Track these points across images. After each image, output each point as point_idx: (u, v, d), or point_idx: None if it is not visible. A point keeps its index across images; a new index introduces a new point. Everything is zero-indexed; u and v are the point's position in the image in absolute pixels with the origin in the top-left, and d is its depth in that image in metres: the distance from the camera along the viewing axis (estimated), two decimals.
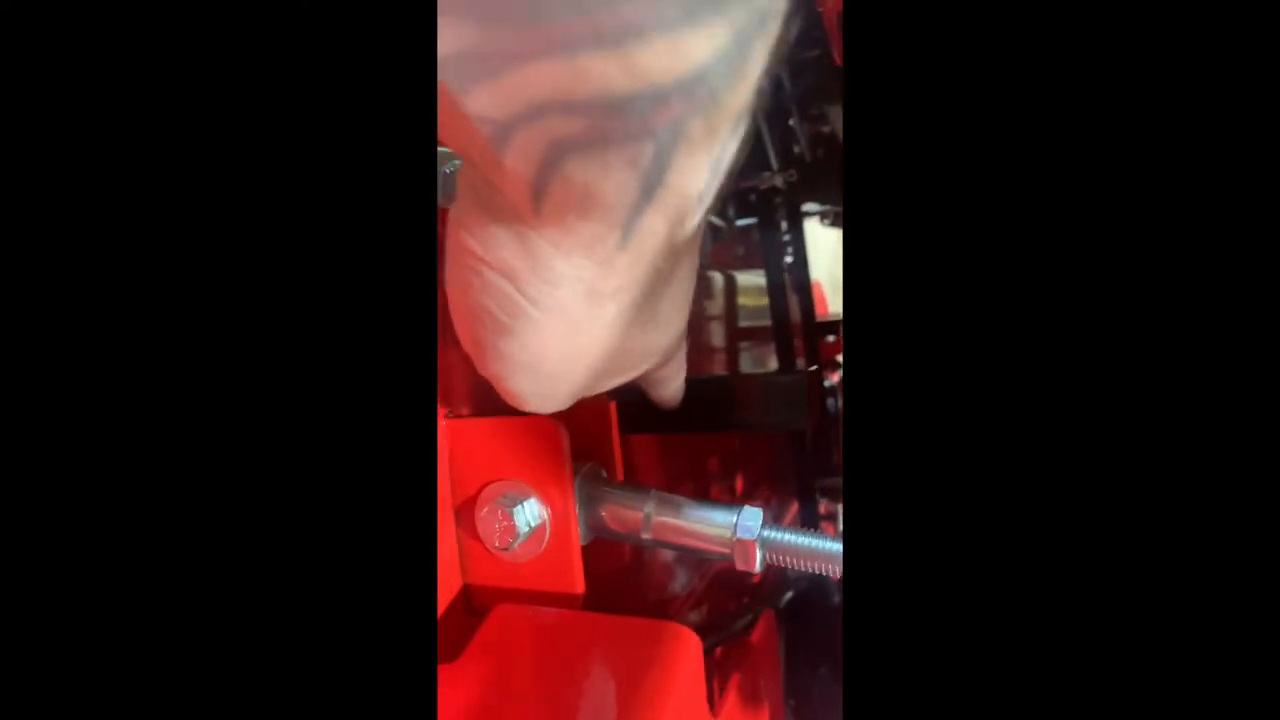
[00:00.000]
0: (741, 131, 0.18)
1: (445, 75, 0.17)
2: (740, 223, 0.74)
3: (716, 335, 0.70)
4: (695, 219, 0.20)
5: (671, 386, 0.34)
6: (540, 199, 0.18)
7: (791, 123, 0.66)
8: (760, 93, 0.18)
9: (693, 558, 0.61)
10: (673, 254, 0.21)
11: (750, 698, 0.31)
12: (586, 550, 0.29)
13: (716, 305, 0.70)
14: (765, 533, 0.27)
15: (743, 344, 0.72)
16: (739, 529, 0.27)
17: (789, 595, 0.61)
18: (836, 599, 0.68)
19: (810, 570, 0.27)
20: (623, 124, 0.16)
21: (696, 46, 0.15)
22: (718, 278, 0.69)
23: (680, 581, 0.57)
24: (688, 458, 0.59)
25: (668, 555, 0.56)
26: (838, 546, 0.27)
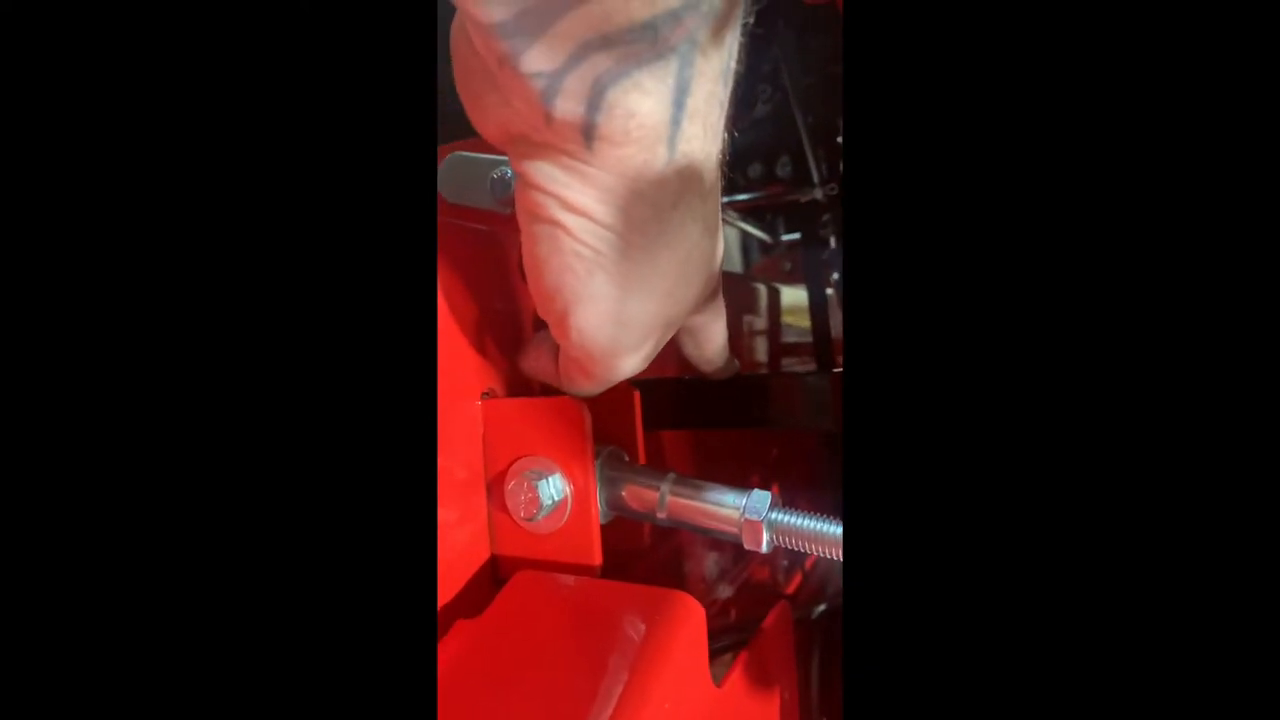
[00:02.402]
0: (737, 39, 0.22)
1: (501, 43, 0.20)
2: (786, 238, 0.75)
3: (760, 349, 0.71)
4: (720, 125, 0.23)
5: (712, 342, 0.35)
6: (591, 136, 0.21)
7: (839, 140, 0.67)
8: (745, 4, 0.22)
9: (729, 573, 0.61)
10: (712, 164, 0.24)
11: (758, 679, 0.31)
12: (629, 556, 0.31)
13: (760, 318, 0.71)
14: (772, 515, 0.28)
15: (786, 360, 0.73)
16: (747, 510, 0.29)
17: (821, 608, 0.61)
18: None
19: (818, 554, 0.28)
20: (649, 46, 0.20)
21: None
22: (762, 290, 0.71)
23: (713, 593, 0.58)
24: (726, 474, 0.60)
25: (704, 569, 0.57)
26: (842, 530, 0.28)
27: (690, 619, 0.26)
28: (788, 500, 0.29)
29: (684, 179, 0.23)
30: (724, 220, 0.77)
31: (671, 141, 0.22)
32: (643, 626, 0.26)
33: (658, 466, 0.32)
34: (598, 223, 0.23)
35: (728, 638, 0.37)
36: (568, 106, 0.21)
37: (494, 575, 0.33)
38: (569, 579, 0.29)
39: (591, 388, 0.30)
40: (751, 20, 0.23)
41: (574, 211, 0.23)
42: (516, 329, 0.35)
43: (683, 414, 0.40)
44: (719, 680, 0.28)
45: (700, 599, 0.27)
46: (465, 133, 0.28)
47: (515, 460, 0.31)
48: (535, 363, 0.33)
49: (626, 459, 0.33)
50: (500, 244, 0.36)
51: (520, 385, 0.35)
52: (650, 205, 0.23)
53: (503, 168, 0.37)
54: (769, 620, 0.34)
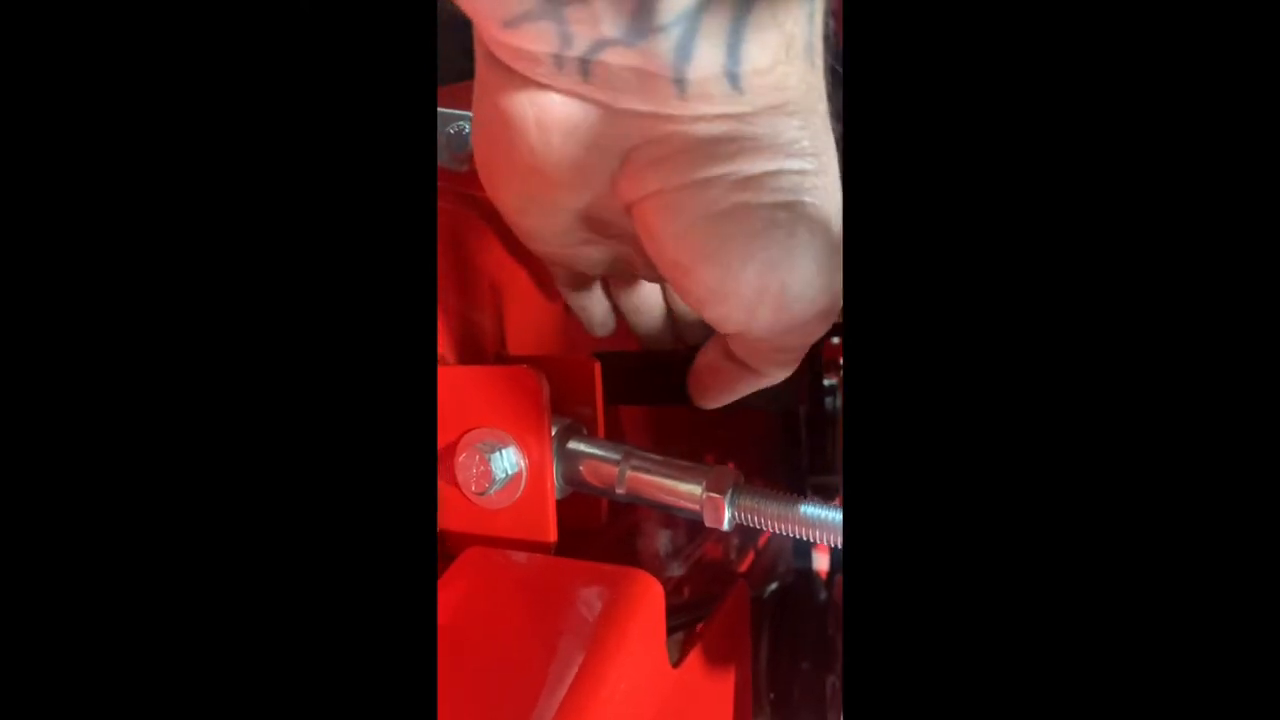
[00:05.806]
0: None
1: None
2: None
3: None
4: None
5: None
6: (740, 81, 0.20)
7: None
8: None
9: (683, 550, 0.61)
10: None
11: (716, 659, 0.31)
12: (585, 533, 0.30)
13: None
14: (735, 492, 0.28)
15: None
16: (709, 487, 0.28)
17: (773, 587, 0.61)
18: (823, 595, 0.68)
19: (780, 532, 0.28)
20: None
21: None
22: None
23: (667, 570, 0.57)
24: (682, 451, 0.60)
25: (658, 546, 0.57)
26: (807, 509, 0.27)
27: (648, 598, 0.25)
28: (744, 478, 0.29)
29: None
30: None
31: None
32: (599, 606, 0.25)
33: (616, 441, 0.31)
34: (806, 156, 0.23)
35: (680, 616, 0.36)
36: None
37: (441, 550, 0.31)
38: (521, 556, 0.28)
39: (793, 363, 0.28)
40: None
41: (798, 157, 0.22)
42: (468, 293, 0.34)
43: (644, 389, 0.39)
44: (675, 659, 0.28)
45: (655, 577, 0.26)
46: None
47: (467, 431, 0.30)
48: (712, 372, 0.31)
49: (585, 432, 0.32)
50: (454, 202, 0.34)
51: (474, 353, 0.33)
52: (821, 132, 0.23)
53: (460, 122, 0.35)
54: (728, 600, 0.33)
